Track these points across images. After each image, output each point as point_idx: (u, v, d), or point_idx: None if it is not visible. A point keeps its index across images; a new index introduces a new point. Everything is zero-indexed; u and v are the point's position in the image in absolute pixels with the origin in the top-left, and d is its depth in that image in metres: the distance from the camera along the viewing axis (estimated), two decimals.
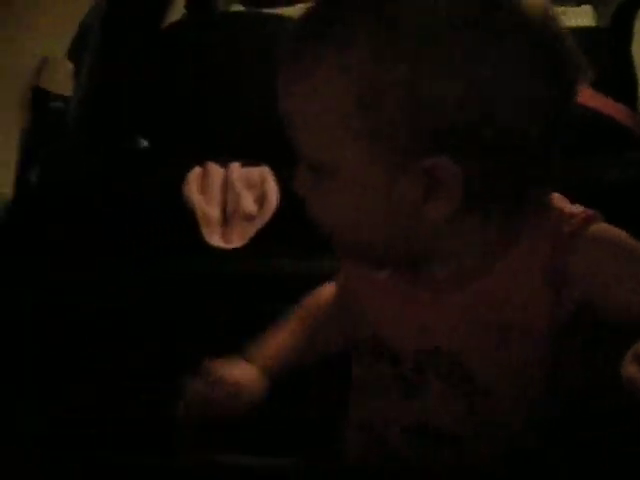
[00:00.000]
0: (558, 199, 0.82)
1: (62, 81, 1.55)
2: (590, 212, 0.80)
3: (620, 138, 1.71)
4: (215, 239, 1.43)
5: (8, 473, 0.72)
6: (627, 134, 1.77)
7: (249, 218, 1.46)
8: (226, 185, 1.46)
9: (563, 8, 4.03)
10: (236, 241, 1.45)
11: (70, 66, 1.57)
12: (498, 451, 0.81)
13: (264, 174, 1.49)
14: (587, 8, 3.27)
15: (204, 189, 1.44)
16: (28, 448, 0.76)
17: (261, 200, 1.47)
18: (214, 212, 1.43)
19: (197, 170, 1.46)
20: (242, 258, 1.45)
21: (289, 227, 1.54)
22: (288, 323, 1.00)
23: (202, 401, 0.92)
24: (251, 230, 1.45)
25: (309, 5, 0.76)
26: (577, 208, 0.81)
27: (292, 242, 1.55)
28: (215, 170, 1.46)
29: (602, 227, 0.79)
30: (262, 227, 1.45)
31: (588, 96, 1.74)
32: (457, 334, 0.81)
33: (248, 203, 1.46)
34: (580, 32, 2.53)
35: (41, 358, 1.28)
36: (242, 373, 0.94)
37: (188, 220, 1.39)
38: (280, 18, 1.65)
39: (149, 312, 1.33)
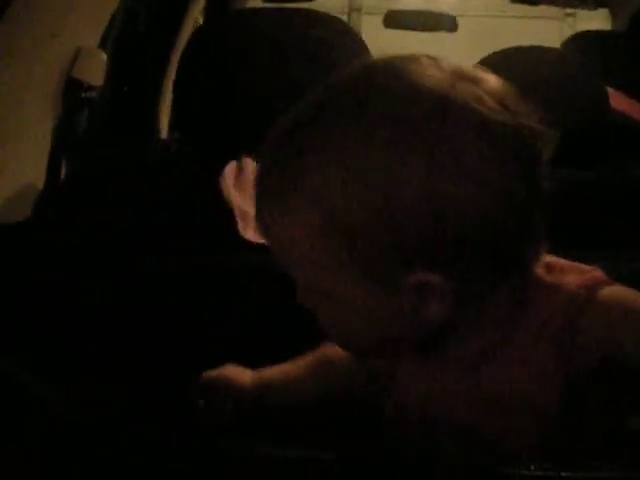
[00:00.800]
0: (557, 264, 0.84)
1: (95, 71, 1.54)
2: (597, 275, 0.82)
3: None
4: (250, 234, 1.42)
5: (8, 473, 0.72)
6: None
7: None
8: None
9: (579, 11, 4.07)
10: None
11: (103, 56, 1.57)
12: None
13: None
14: (603, 12, 3.28)
15: (239, 183, 1.43)
16: (28, 448, 0.76)
17: None
18: (250, 207, 1.42)
19: (233, 164, 1.44)
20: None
21: None
22: (304, 357, 1.05)
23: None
24: None
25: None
26: (581, 271, 0.83)
27: None
28: (250, 164, 1.45)
29: (611, 290, 0.80)
30: None
31: (621, 101, 1.76)
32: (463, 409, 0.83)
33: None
34: (597, 36, 2.54)
35: (61, 352, 1.27)
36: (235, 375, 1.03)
37: (224, 213, 1.39)
38: (305, 13, 1.63)
39: (179, 305, 1.32)
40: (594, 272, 0.83)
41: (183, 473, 0.79)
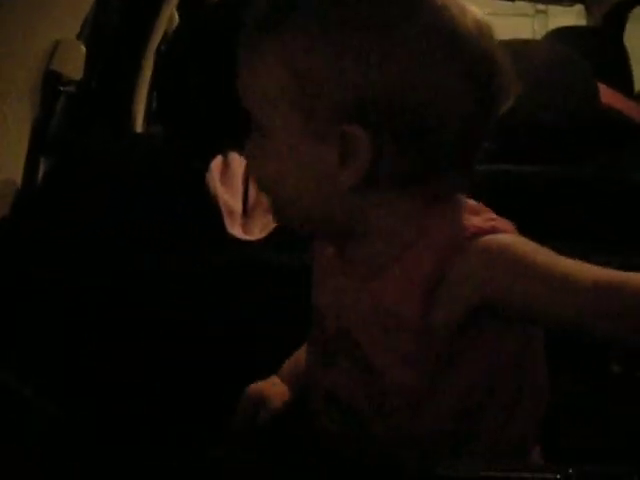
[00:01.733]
0: (475, 207, 0.89)
1: (75, 64, 1.50)
2: (499, 224, 0.86)
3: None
4: (236, 230, 1.39)
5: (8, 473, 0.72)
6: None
7: (269, 210, 1.42)
8: (248, 176, 1.42)
9: (554, 7, 4.09)
10: (257, 232, 1.41)
11: (83, 49, 1.53)
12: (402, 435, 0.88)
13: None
14: (579, 8, 3.31)
15: (225, 179, 1.40)
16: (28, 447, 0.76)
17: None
18: (236, 203, 1.39)
19: (218, 159, 1.41)
20: (262, 249, 1.42)
21: None
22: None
23: (249, 421, 1.03)
24: (273, 222, 1.42)
25: None
26: (492, 218, 0.87)
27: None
28: (237, 160, 1.42)
29: (503, 237, 0.84)
30: None
31: (611, 96, 1.76)
32: (361, 321, 0.89)
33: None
34: (572, 31, 2.55)
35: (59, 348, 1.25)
36: (276, 393, 1.07)
37: (210, 209, 1.36)
38: None
39: (165, 303, 1.30)
40: (501, 222, 0.87)
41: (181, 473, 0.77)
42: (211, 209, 1.35)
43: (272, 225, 1.41)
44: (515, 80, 0.88)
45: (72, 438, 0.81)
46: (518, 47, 1.71)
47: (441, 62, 0.84)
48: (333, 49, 0.83)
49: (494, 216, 0.89)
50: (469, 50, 0.85)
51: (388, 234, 0.88)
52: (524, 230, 0.89)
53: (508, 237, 0.85)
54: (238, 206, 1.40)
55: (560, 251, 0.84)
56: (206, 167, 1.38)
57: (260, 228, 1.41)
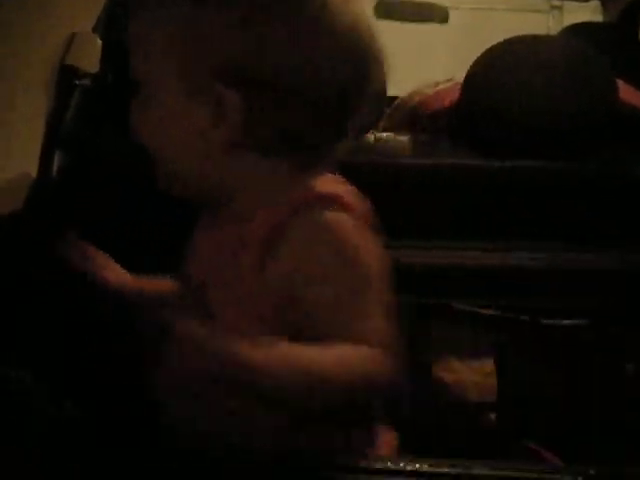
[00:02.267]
0: (331, 180, 0.92)
1: (90, 57, 1.49)
2: (334, 195, 0.89)
3: None
4: None
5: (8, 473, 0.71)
6: None
7: None
8: None
9: (569, 3, 4.05)
10: None
11: (99, 42, 1.52)
12: None
13: None
14: (595, 4, 3.27)
15: None
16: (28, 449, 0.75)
17: None
18: None
19: None
20: None
21: None
22: None
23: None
24: None
25: None
26: (332, 189, 0.90)
27: None
28: None
29: (326, 216, 0.87)
30: None
31: (630, 93, 1.73)
32: (211, 275, 0.94)
33: None
34: (588, 27, 2.52)
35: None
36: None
37: None
38: None
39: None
40: (343, 196, 0.90)
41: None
42: None
43: None
44: (385, 61, 0.93)
45: (72, 439, 0.80)
46: (535, 43, 1.69)
47: (314, 34, 0.88)
48: (218, 12, 0.87)
49: (348, 189, 0.92)
50: (342, 24, 0.89)
51: (251, 194, 0.92)
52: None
53: (335, 216, 0.87)
54: None
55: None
56: None
57: None
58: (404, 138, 1.81)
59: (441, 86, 2.07)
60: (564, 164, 1.62)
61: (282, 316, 0.87)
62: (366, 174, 1.58)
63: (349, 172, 1.59)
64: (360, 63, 0.91)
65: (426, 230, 1.61)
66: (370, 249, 0.87)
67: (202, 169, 0.93)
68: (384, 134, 1.76)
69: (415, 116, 1.97)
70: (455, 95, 1.91)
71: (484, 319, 1.72)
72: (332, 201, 0.89)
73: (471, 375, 1.75)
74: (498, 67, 1.66)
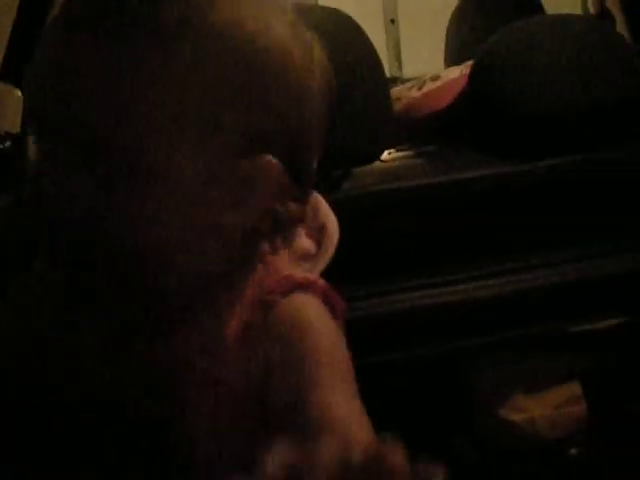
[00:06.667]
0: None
1: (10, 115, 1.21)
2: (305, 280, 0.81)
3: None
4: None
5: None
6: None
7: (306, 258, 1.16)
8: None
9: None
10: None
11: (18, 94, 1.23)
12: None
13: (315, 201, 1.20)
14: None
15: None
16: None
17: (317, 235, 1.18)
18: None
19: None
20: None
21: (358, 263, 1.28)
22: None
23: None
24: (312, 273, 1.16)
25: None
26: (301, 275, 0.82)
27: (365, 280, 1.29)
28: None
29: (295, 306, 0.78)
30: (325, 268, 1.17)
31: None
32: None
33: (302, 240, 1.17)
34: (572, 19, 2.32)
35: None
36: None
37: None
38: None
39: None
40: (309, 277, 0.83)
41: None
42: None
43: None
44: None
45: None
46: (553, 24, 1.49)
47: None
48: None
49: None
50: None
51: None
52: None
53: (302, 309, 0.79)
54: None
55: None
56: None
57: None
58: (409, 153, 1.60)
59: (429, 86, 1.85)
60: (606, 155, 1.43)
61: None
62: (387, 201, 1.38)
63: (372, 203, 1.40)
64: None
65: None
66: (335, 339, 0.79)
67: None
68: (386, 154, 1.54)
69: (403, 123, 1.76)
70: (452, 94, 1.70)
71: (560, 342, 1.52)
72: (305, 287, 0.82)
73: (541, 409, 1.54)
74: (517, 52, 1.45)
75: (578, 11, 2.93)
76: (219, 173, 0.71)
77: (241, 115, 0.71)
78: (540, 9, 2.35)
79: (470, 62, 1.69)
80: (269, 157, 0.73)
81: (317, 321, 0.78)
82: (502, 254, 1.40)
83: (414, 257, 1.38)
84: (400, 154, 1.61)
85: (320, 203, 1.22)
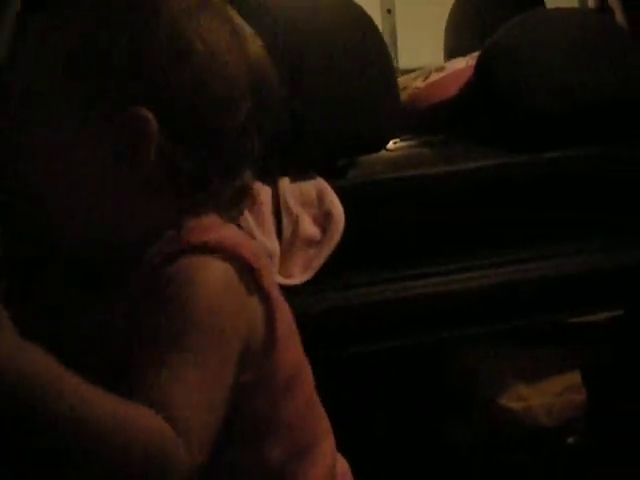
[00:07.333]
0: (213, 224, 0.81)
1: None
2: (216, 242, 0.77)
3: None
4: (278, 277, 1.14)
5: None
6: None
7: (311, 244, 1.18)
8: (278, 206, 1.18)
9: None
10: (298, 275, 1.17)
11: None
12: None
13: (321, 188, 1.21)
14: None
15: (253, 214, 1.15)
16: None
17: (322, 221, 1.19)
18: (272, 242, 1.14)
19: None
20: (307, 295, 1.18)
21: (363, 250, 1.29)
22: None
23: None
24: (317, 259, 1.17)
25: None
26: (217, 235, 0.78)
27: (368, 268, 1.30)
28: (262, 190, 1.17)
29: (185, 265, 0.75)
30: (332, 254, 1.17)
31: None
32: None
33: (308, 226, 1.18)
34: (570, 13, 2.33)
35: None
36: None
37: None
38: None
39: None
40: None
41: None
42: None
43: (317, 264, 1.17)
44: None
45: None
46: (559, 16, 1.50)
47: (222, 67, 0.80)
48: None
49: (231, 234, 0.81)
50: (253, 60, 0.84)
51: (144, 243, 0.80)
52: None
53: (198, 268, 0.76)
54: (275, 246, 1.15)
55: None
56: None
57: (301, 269, 1.17)
58: (414, 142, 1.60)
59: (434, 77, 1.86)
60: (614, 149, 1.44)
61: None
62: (393, 190, 1.39)
63: (377, 190, 1.41)
64: (258, 98, 0.83)
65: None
66: (229, 313, 0.76)
67: (114, 213, 0.80)
68: (391, 144, 1.55)
69: (408, 113, 1.77)
70: (458, 84, 1.70)
71: (561, 334, 1.53)
72: (213, 249, 0.77)
73: (540, 398, 1.55)
74: (525, 45, 1.45)
75: (576, 5, 2.93)
76: (98, 126, 0.77)
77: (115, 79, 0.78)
78: (541, 2, 2.35)
79: (475, 54, 1.70)
80: (142, 109, 0.76)
81: (202, 282, 0.75)
82: (505, 244, 1.41)
83: (417, 245, 1.39)
84: (405, 143, 1.61)
85: (326, 190, 1.23)
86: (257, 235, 1.13)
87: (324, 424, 0.90)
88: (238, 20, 0.84)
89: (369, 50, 1.31)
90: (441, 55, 2.52)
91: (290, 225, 1.17)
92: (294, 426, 0.83)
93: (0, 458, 0.78)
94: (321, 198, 1.20)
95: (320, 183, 1.22)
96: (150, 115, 0.76)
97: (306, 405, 0.85)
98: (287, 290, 1.15)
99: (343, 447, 0.92)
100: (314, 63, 1.23)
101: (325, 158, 1.27)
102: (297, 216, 1.18)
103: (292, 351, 0.82)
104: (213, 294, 0.74)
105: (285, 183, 1.20)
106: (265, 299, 0.78)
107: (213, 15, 0.81)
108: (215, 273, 0.75)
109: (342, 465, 0.92)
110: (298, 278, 1.17)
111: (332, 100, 1.25)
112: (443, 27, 2.57)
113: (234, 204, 0.83)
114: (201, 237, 0.76)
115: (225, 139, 0.80)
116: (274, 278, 0.84)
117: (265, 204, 1.17)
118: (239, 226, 0.85)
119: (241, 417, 0.78)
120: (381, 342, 1.32)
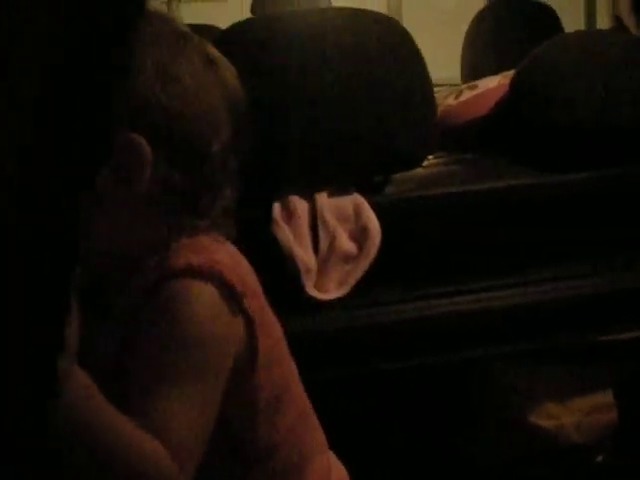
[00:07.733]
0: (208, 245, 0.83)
1: None
2: (203, 265, 0.79)
3: None
4: (312, 290, 1.15)
5: None
6: None
7: (347, 259, 1.19)
8: (315, 221, 1.19)
9: None
10: (333, 290, 1.18)
11: None
12: None
13: (358, 203, 1.22)
14: None
15: (293, 229, 1.17)
16: None
17: (359, 236, 1.20)
18: (308, 255, 1.15)
19: (277, 205, 1.18)
20: (344, 310, 1.19)
21: (399, 267, 1.30)
22: None
23: None
24: (353, 275, 1.18)
25: None
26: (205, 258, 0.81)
27: (404, 285, 1.30)
28: (299, 204, 1.19)
29: (170, 291, 0.78)
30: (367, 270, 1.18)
31: None
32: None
33: (344, 241, 1.19)
34: (608, 34, 2.32)
35: None
36: None
37: (285, 267, 1.13)
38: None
39: None
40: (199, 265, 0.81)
41: None
42: (285, 267, 1.12)
43: (353, 279, 1.18)
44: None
45: None
46: (593, 38, 1.50)
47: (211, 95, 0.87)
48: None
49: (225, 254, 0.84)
50: (230, 87, 0.89)
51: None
52: None
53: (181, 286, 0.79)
54: (312, 260, 1.16)
55: None
56: (263, 214, 1.16)
57: (336, 284, 1.18)
58: (445, 160, 1.61)
59: (466, 94, 1.87)
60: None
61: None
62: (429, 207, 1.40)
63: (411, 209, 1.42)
64: (235, 121, 0.89)
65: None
66: (218, 338, 0.80)
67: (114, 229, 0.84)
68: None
69: (440, 130, 1.78)
70: (491, 102, 1.71)
71: (592, 352, 1.53)
72: (197, 272, 0.80)
73: (570, 416, 1.54)
74: (563, 64, 1.45)
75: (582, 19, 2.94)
76: None
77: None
78: (557, 22, 2.37)
79: (507, 72, 1.70)
80: (133, 135, 0.80)
81: (190, 309, 0.78)
82: (532, 263, 1.42)
83: (445, 263, 1.40)
84: (437, 160, 1.62)
85: (363, 205, 1.24)
86: (295, 249, 1.14)
87: (319, 437, 0.94)
88: (214, 51, 0.89)
89: (408, 68, 1.31)
90: (448, 67, 2.53)
91: (327, 240, 1.18)
92: (286, 442, 0.87)
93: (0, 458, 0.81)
94: (358, 213, 1.21)
95: (357, 198, 1.23)
96: (142, 140, 0.80)
97: (298, 419, 0.89)
98: (317, 305, 1.18)
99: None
100: (355, 81, 1.24)
101: (362, 174, 1.28)
102: (334, 231, 1.18)
103: (277, 369, 0.86)
104: (201, 321, 0.78)
105: (322, 198, 1.21)
106: (248, 322, 0.81)
107: (193, 50, 0.87)
108: (200, 298, 0.78)
109: (339, 472, 0.95)
110: (334, 293, 1.17)
111: (370, 116, 1.25)
112: (451, 39, 2.57)
113: (222, 224, 0.86)
114: (188, 259, 0.79)
115: (211, 159, 0.85)
116: (262, 300, 0.88)
117: (302, 218, 1.18)
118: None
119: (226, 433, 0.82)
120: (409, 359, 1.32)
